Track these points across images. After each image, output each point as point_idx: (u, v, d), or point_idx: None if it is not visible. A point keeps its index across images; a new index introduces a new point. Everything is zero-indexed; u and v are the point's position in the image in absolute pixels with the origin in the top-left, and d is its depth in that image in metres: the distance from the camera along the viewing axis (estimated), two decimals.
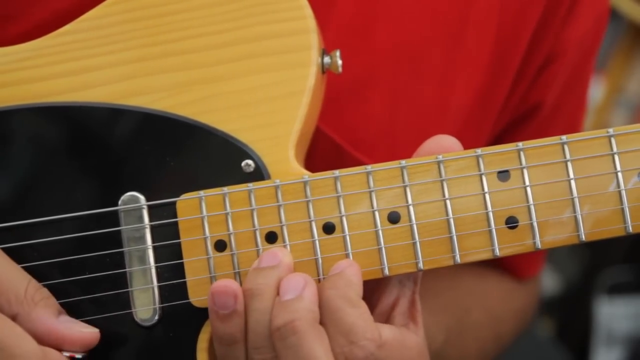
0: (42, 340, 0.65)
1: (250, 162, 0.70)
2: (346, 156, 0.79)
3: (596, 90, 2.75)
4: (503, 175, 0.68)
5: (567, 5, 0.87)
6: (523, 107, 0.90)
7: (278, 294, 0.65)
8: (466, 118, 0.85)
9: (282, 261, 0.66)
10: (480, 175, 0.68)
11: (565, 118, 0.94)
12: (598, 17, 0.91)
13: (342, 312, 0.65)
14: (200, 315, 0.69)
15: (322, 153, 0.76)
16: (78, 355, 0.66)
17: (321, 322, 0.65)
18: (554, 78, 0.89)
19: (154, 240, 0.70)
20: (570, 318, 2.64)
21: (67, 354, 0.66)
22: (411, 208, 0.68)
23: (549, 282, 2.76)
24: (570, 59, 0.90)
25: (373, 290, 0.70)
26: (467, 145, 0.69)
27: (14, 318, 0.65)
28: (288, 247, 0.68)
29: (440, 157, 0.68)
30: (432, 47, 0.83)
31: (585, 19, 0.89)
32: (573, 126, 0.95)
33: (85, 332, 0.67)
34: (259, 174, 0.70)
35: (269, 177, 0.70)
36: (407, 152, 0.70)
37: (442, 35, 0.83)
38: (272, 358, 0.65)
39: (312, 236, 0.68)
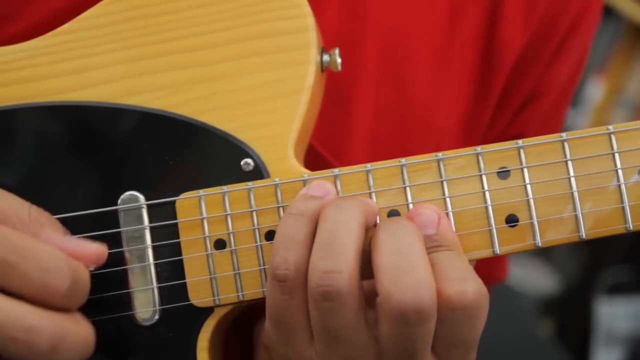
0: None
1: (249, 160, 0.70)
2: (328, 166, 0.78)
3: (596, 90, 2.75)
4: (503, 173, 0.68)
5: (554, 46, 0.86)
6: (504, 139, 0.89)
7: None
8: (449, 141, 0.84)
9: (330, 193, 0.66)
10: (481, 174, 0.68)
11: None
12: (581, 53, 0.90)
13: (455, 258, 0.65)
14: (201, 314, 0.69)
15: (305, 161, 0.76)
16: (90, 268, 0.66)
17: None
18: (536, 114, 0.89)
19: (153, 239, 0.69)
20: (570, 318, 2.65)
21: None
22: (411, 206, 0.68)
23: (549, 282, 2.77)
24: (553, 97, 0.89)
25: None
26: None
27: None
28: None
29: (440, 155, 0.68)
30: (418, 65, 0.82)
31: (571, 60, 0.89)
32: None
33: (96, 247, 0.66)
34: (259, 172, 0.70)
35: (268, 176, 0.70)
36: None
37: (429, 54, 0.82)
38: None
39: None
